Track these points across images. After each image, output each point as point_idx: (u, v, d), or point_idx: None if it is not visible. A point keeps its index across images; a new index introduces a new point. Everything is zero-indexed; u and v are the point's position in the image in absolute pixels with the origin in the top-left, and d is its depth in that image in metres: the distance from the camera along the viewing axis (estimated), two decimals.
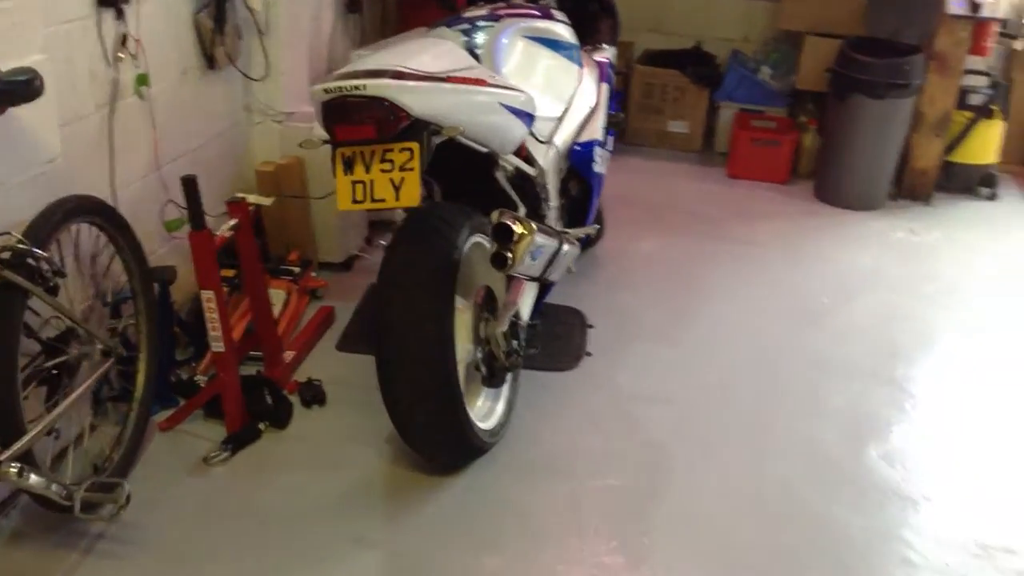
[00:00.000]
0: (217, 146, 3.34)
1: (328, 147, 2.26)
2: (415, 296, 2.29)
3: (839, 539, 2.43)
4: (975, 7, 4.32)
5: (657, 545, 2.37)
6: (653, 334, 3.39)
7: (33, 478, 1.95)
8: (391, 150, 2.16)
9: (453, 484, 2.55)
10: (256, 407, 2.71)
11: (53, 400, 2.16)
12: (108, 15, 2.64)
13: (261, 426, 2.70)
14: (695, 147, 5.33)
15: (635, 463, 2.69)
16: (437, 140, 2.25)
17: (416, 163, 2.16)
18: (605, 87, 3.28)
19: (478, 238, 2.50)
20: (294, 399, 2.84)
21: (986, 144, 4.80)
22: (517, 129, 2.52)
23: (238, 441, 2.63)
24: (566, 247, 2.71)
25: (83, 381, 2.23)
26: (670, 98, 5.26)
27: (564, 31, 3.10)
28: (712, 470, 2.67)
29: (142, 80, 2.78)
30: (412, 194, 2.17)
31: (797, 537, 2.43)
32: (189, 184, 2.41)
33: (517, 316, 2.61)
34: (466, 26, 2.89)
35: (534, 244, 2.34)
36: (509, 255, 2.24)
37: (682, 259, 4.01)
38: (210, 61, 3.14)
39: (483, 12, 2.98)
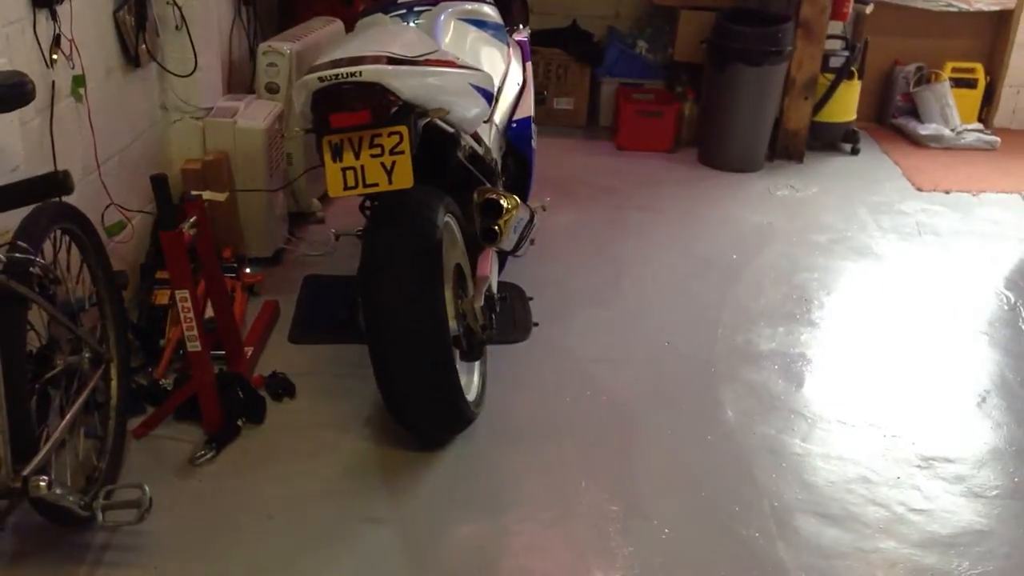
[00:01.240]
0: (140, 146, 3.26)
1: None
2: (405, 277, 2.36)
3: (798, 465, 2.68)
4: None
5: (644, 491, 2.54)
6: (589, 300, 3.56)
7: (58, 490, 1.91)
8: (379, 135, 2.21)
9: (443, 457, 2.64)
10: (230, 404, 2.70)
11: (54, 409, 2.10)
12: (42, 16, 2.55)
13: (239, 423, 2.69)
14: (580, 122, 5.53)
15: (604, 419, 2.85)
16: (422, 123, 2.31)
17: (406, 146, 2.22)
18: (530, 65, 3.41)
19: (448, 218, 2.58)
20: (263, 393, 2.84)
21: (847, 103, 5.22)
22: (482, 108, 2.61)
23: (220, 439, 2.62)
24: (535, 219, 2.82)
25: (79, 389, 2.18)
26: (554, 76, 5.43)
27: (492, 12, 3.20)
28: (674, 417, 2.87)
29: (79, 81, 2.70)
30: (405, 176, 2.23)
31: (759, 466, 2.65)
32: (159, 183, 2.38)
33: (489, 289, 2.71)
34: (403, 11, 2.95)
35: (516, 217, 2.44)
36: (498, 228, 2.33)
37: (597, 228, 4.20)
38: (135, 59, 3.06)
39: None
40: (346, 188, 2.25)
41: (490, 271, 2.76)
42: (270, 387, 2.87)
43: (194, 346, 2.55)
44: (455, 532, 2.39)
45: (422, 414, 2.52)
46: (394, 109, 2.19)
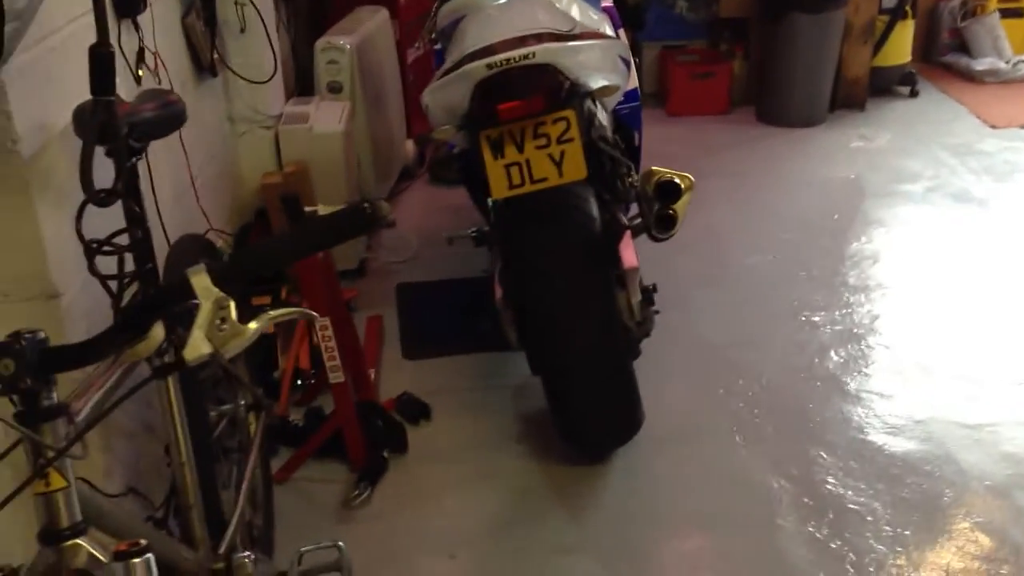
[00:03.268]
0: (214, 164, 2.99)
1: None
2: (576, 276, 2.12)
3: (992, 439, 2.48)
4: None
5: (843, 482, 2.34)
6: (700, 279, 3.33)
7: (261, 565, 1.67)
8: (544, 123, 1.97)
9: (610, 470, 2.42)
10: (372, 436, 2.47)
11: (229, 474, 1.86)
12: (125, 27, 2.28)
13: (384, 454, 2.46)
14: None
15: (769, 410, 2.64)
16: (587, 104, 2.07)
17: (575, 132, 1.98)
18: (623, 33, 3.16)
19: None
20: (399, 419, 2.60)
21: (902, 45, 5.01)
22: (625, 81, 2.37)
23: (371, 475, 2.38)
24: None
25: (241, 443, 1.94)
26: None
27: None
28: (846, 400, 2.66)
29: None
30: (578, 166, 1.99)
31: (957, 446, 2.46)
32: (292, 203, 2.12)
33: (641, 281, 2.48)
34: None
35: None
36: (674, 213, 2.10)
37: None
38: (211, 68, 2.79)
39: None
40: (511, 187, 2.01)
41: (636, 260, 2.52)
42: (404, 411, 2.63)
43: (337, 377, 2.31)
44: (650, 552, 2.17)
45: (599, 424, 2.30)
46: (564, 92, 1.95)
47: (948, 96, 5.08)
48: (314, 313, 1.06)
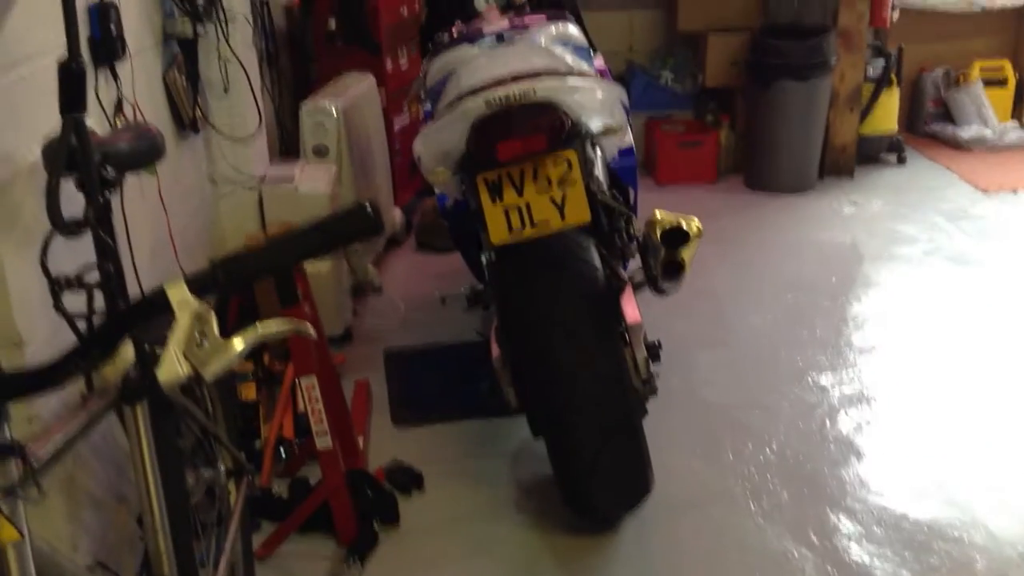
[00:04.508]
0: (194, 225, 2.87)
1: None
2: (576, 329, 1.99)
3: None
4: None
5: (861, 559, 2.18)
6: (702, 341, 3.21)
7: None
8: (543, 164, 1.87)
9: (620, 539, 2.25)
10: (361, 507, 2.29)
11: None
12: (102, 75, 2.18)
13: (374, 526, 2.28)
14: None
15: (782, 476, 2.48)
16: (588, 145, 1.97)
17: (577, 174, 1.88)
18: None
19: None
20: (389, 488, 2.43)
21: (888, 112, 5.00)
22: (626, 125, 2.28)
23: (361, 550, 2.20)
24: None
25: (220, 512, 1.76)
26: None
27: (577, 33, 2.89)
28: (860, 465, 2.51)
29: None
30: (580, 209, 1.88)
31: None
32: None
33: (645, 337, 2.35)
34: (492, 40, 2.62)
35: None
36: (683, 260, 1.98)
37: None
38: (192, 124, 2.69)
39: (503, 24, 2.71)
40: (511, 231, 1.89)
41: (639, 314, 2.40)
42: (395, 480, 2.46)
43: (324, 443, 2.15)
44: None
45: (607, 488, 2.14)
46: (566, 131, 1.84)
47: (936, 163, 5.06)
48: (310, 329, 0.92)
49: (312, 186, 3.06)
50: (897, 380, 2.92)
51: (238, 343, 0.82)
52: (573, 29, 2.82)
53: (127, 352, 0.90)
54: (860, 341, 3.17)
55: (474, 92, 1.87)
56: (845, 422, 2.71)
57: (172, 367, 0.79)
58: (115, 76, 2.22)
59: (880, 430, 2.66)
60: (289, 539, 2.26)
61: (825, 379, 2.94)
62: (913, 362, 3.02)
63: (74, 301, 1.29)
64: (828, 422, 2.71)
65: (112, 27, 2.13)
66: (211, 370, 0.81)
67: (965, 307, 3.40)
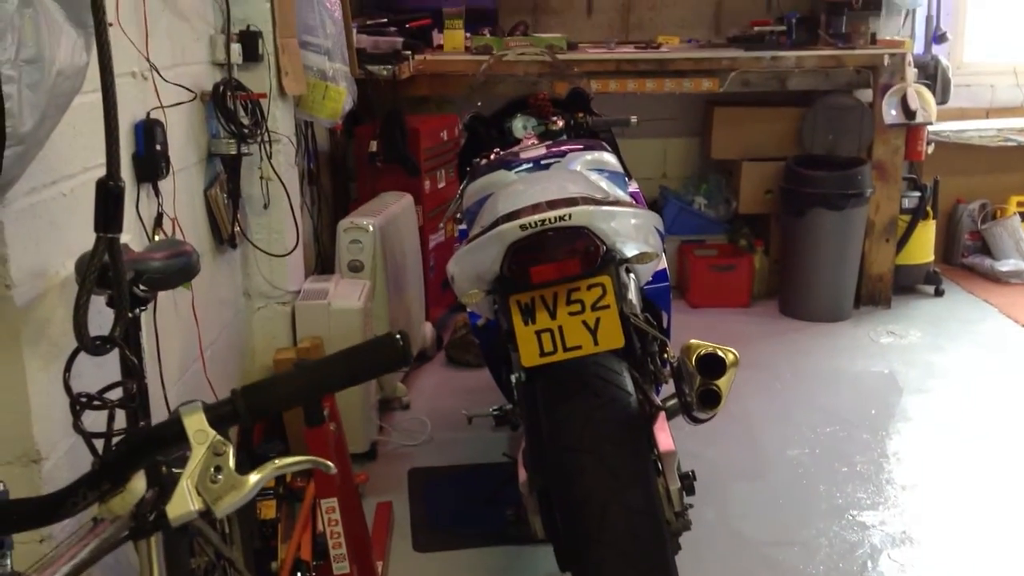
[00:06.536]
0: (226, 337, 2.87)
1: None
2: (608, 457, 1.92)
3: None
4: (910, 115, 4.53)
5: None
6: (736, 471, 3.12)
7: None
8: (578, 288, 1.85)
9: None
10: None
11: None
12: (144, 191, 2.22)
13: None
14: None
15: None
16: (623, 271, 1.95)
17: (611, 299, 1.85)
18: None
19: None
20: None
21: (924, 244, 4.98)
22: (661, 251, 2.26)
23: None
24: None
25: None
26: None
27: (613, 160, 2.91)
28: None
29: None
30: (614, 334, 1.85)
31: None
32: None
33: (679, 467, 2.27)
34: (528, 166, 2.65)
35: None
36: (718, 389, 1.93)
37: None
38: (231, 239, 2.72)
39: (540, 151, 2.74)
40: (543, 355, 1.86)
41: (672, 442, 2.33)
42: None
43: (341, 568, 2.08)
44: None
45: None
46: (600, 257, 1.83)
47: (974, 295, 5.00)
48: (329, 463, 0.88)
49: (345, 302, 3.07)
50: (942, 520, 2.80)
51: (254, 478, 0.79)
52: (608, 156, 2.84)
53: (139, 481, 0.87)
54: (902, 478, 3.06)
55: (509, 216, 1.87)
56: (888, 564, 2.58)
57: (183, 503, 0.76)
58: (157, 192, 2.26)
59: (925, 574, 2.54)
60: None
61: (866, 517, 2.82)
62: (958, 501, 2.91)
63: (97, 417, 1.27)
64: (870, 563, 2.59)
65: (157, 145, 2.18)
66: (223, 507, 0.77)
67: (1009, 444, 3.29)
